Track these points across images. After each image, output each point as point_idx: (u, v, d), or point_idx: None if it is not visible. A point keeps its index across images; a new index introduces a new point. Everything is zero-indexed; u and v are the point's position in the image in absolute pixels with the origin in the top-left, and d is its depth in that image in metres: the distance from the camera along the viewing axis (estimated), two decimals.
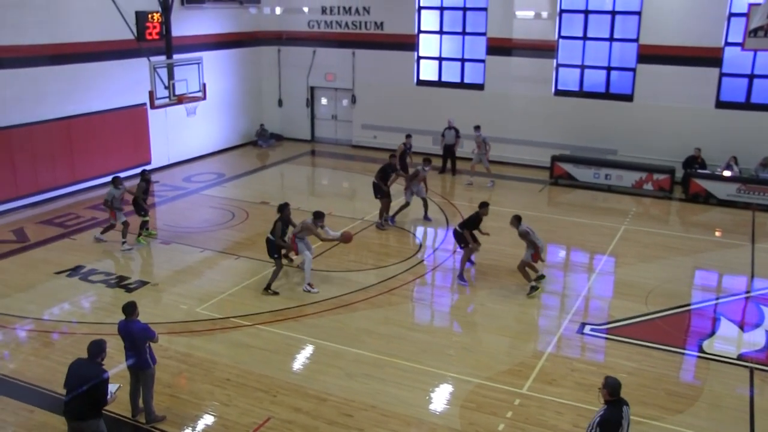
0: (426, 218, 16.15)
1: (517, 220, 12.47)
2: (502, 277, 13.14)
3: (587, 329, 11.12)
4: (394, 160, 16.36)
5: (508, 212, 17.01)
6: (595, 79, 20.67)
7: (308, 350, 10.51)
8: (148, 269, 13.62)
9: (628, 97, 20.18)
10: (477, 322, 11.52)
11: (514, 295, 12.32)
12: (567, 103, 20.87)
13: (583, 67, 20.69)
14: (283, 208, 12.46)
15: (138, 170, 19.89)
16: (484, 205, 13.08)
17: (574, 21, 20.54)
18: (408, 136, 19.01)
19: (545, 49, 20.73)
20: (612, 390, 6.62)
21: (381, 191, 15.70)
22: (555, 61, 20.83)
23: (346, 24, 23.62)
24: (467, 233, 12.95)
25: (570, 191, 19.24)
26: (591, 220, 16.66)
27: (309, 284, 12.40)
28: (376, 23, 23.19)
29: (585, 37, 20.47)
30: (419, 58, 23.03)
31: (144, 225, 14.81)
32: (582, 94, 20.81)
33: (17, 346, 10.62)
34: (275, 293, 12.27)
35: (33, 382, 9.54)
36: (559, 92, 21.09)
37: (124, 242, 14.41)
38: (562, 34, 20.66)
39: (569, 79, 21.01)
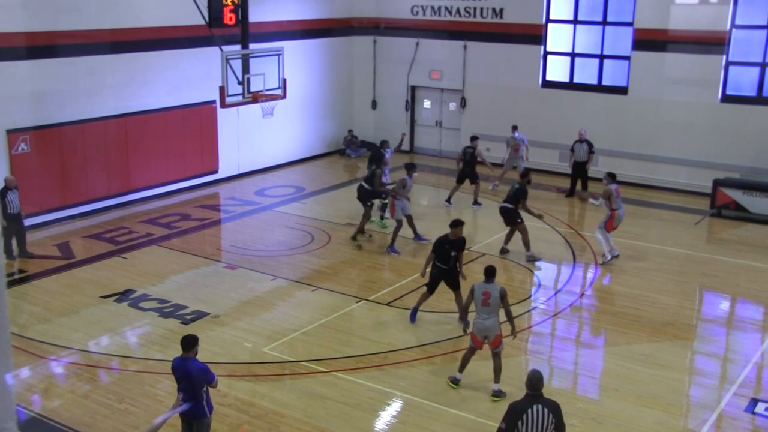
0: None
1: (611, 178, 15.50)
2: (644, 330, 12.72)
3: (760, 408, 10.54)
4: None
5: (651, 249, 16.67)
6: None
7: (396, 407, 10.49)
8: (208, 298, 13.98)
9: None
10: (610, 385, 11.18)
11: (659, 354, 11.89)
12: (739, 112, 20.15)
13: (765, 66, 19.93)
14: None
15: (204, 180, 20.80)
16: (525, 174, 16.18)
17: (757, 4, 19.79)
18: (474, 138, 19.70)
19: (712, 43, 20.12)
20: (528, 383, 7.56)
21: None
22: (724, 57, 20.18)
23: (458, 10, 23.79)
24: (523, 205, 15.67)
25: (738, 225, 18.53)
26: (767, 263, 15.96)
27: (393, 246, 15.93)
28: (494, 10, 23.23)
29: None
30: (546, 53, 22.89)
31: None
32: (761, 100, 20.04)
33: (55, 380, 11.13)
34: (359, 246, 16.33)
35: (69, 424, 9.93)
36: (728, 98, 20.39)
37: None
38: (738, 22, 20.01)
39: (743, 81, 20.30)
